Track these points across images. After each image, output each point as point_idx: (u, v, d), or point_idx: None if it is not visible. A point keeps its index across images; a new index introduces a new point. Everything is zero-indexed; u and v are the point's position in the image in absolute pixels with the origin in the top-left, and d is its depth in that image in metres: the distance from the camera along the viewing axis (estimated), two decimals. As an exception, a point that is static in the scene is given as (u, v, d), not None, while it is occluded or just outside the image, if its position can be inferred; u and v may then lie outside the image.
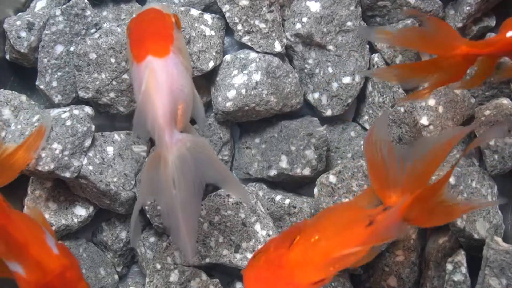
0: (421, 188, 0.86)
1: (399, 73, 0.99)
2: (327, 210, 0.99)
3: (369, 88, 1.17)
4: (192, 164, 0.86)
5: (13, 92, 1.14)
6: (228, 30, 1.17)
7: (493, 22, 1.15)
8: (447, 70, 0.95)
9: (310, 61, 1.16)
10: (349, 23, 1.15)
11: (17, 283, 0.89)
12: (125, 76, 1.10)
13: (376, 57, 1.15)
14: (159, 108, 0.86)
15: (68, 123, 1.04)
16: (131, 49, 0.92)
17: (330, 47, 1.15)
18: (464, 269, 1.04)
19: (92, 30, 1.13)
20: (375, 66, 1.15)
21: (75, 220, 1.10)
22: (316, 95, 1.16)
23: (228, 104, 1.11)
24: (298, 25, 1.15)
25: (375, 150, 0.90)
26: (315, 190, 1.11)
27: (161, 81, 0.87)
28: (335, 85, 1.15)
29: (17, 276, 0.88)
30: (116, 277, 1.16)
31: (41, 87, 1.13)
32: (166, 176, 0.85)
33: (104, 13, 1.19)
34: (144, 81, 0.87)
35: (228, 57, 1.16)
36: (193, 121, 0.98)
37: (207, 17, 1.15)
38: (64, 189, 1.11)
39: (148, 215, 1.12)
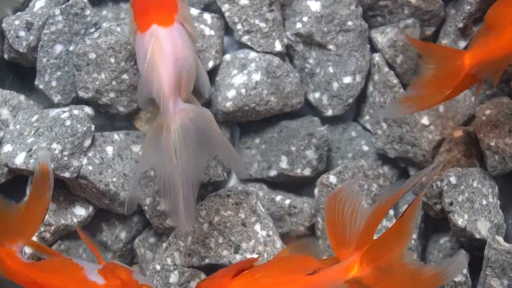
0: (368, 243, 0.86)
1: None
2: (286, 256, 1.02)
3: (370, 88, 1.17)
4: (194, 134, 0.88)
5: (12, 91, 1.13)
6: (227, 29, 1.17)
7: (493, 22, 1.15)
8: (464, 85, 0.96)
9: (310, 61, 1.16)
10: (349, 23, 1.14)
11: None
12: (125, 76, 1.10)
13: (377, 57, 1.15)
14: (164, 77, 0.88)
15: (68, 123, 1.04)
16: (135, 18, 0.93)
17: (331, 46, 1.15)
18: (465, 270, 1.04)
19: (92, 30, 1.13)
20: (376, 66, 1.15)
21: (75, 220, 1.10)
22: (317, 95, 1.16)
23: (228, 104, 1.11)
24: (299, 25, 1.14)
25: (338, 208, 0.90)
26: (316, 190, 1.11)
27: (166, 50, 0.89)
28: (335, 85, 1.15)
29: None
30: (115, 278, 1.16)
31: (40, 86, 1.12)
32: (168, 144, 0.87)
33: (104, 12, 1.18)
34: (149, 50, 0.88)
35: (227, 56, 1.15)
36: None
37: (207, 16, 1.14)
38: (63, 189, 1.10)
39: (147, 215, 1.11)
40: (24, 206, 0.93)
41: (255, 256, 1.05)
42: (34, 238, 1.08)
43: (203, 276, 1.07)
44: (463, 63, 0.92)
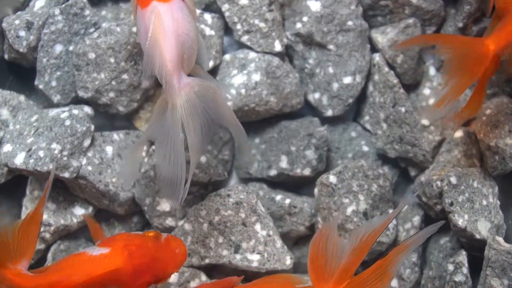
0: (347, 279, 0.87)
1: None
2: (264, 279, 1.02)
3: (370, 88, 1.17)
4: (200, 108, 0.89)
5: (12, 92, 1.13)
6: (227, 29, 1.17)
7: (493, 22, 1.15)
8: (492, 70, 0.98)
9: (310, 61, 1.16)
10: (349, 23, 1.14)
11: None
12: (125, 76, 1.10)
13: (377, 57, 1.15)
14: (167, 53, 0.89)
15: (67, 123, 1.04)
16: None
17: (331, 46, 1.15)
18: (465, 270, 1.03)
19: (91, 30, 1.13)
20: (376, 66, 1.15)
21: (74, 220, 1.10)
22: (317, 95, 1.16)
23: (228, 104, 1.11)
24: (299, 25, 1.14)
25: (321, 243, 0.92)
26: (315, 190, 1.11)
27: (167, 26, 0.90)
28: (335, 85, 1.15)
29: None
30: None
31: (40, 87, 1.12)
32: (174, 120, 0.88)
33: (103, 12, 1.18)
34: (151, 26, 0.89)
35: (227, 56, 1.15)
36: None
37: (207, 16, 1.14)
38: (63, 189, 1.10)
39: (147, 216, 1.11)
40: (20, 225, 0.91)
41: (255, 256, 1.05)
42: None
43: (203, 276, 1.07)
44: (488, 49, 0.94)
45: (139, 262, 0.90)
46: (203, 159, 1.09)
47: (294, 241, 1.14)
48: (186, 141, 0.89)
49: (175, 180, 0.90)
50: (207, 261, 1.07)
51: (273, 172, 1.14)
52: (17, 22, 1.10)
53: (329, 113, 1.16)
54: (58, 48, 1.11)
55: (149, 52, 0.89)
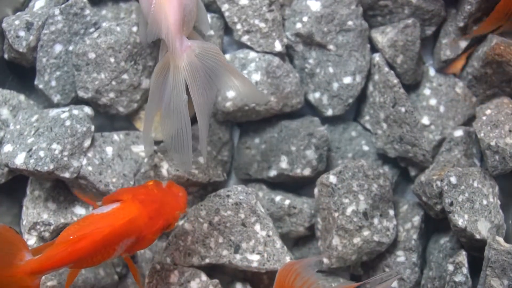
0: None
1: None
2: None
3: (370, 88, 1.17)
4: (201, 70, 0.92)
5: (12, 91, 1.13)
6: (227, 29, 1.17)
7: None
8: None
9: (310, 61, 1.15)
10: (349, 23, 1.14)
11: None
12: (125, 76, 1.10)
13: (377, 57, 1.15)
14: (171, 16, 0.92)
15: (68, 123, 1.04)
16: None
17: (331, 46, 1.15)
18: (465, 270, 1.03)
19: (91, 30, 1.13)
20: (376, 66, 1.15)
21: (75, 219, 1.10)
22: (317, 95, 1.16)
23: (228, 104, 1.11)
24: (299, 25, 1.14)
25: (290, 277, 0.92)
26: (315, 190, 1.11)
27: None
28: (335, 85, 1.15)
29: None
30: (116, 277, 1.15)
31: (40, 86, 1.12)
32: (177, 82, 0.91)
33: (103, 12, 1.18)
34: None
35: (227, 56, 1.15)
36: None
37: (207, 16, 1.14)
38: (63, 189, 1.10)
39: (147, 215, 1.11)
40: None
41: (255, 256, 1.05)
42: (34, 238, 1.08)
43: (203, 276, 1.07)
44: None
45: (152, 208, 0.93)
46: (201, 160, 1.09)
47: (294, 241, 1.15)
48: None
49: (181, 144, 0.93)
50: (207, 261, 1.07)
51: (273, 173, 1.14)
52: (17, 22, 1.10)
53: (329, 112, 1.16)
54: (58, 48, 1.11)
55: (154, 16, 0.92)
